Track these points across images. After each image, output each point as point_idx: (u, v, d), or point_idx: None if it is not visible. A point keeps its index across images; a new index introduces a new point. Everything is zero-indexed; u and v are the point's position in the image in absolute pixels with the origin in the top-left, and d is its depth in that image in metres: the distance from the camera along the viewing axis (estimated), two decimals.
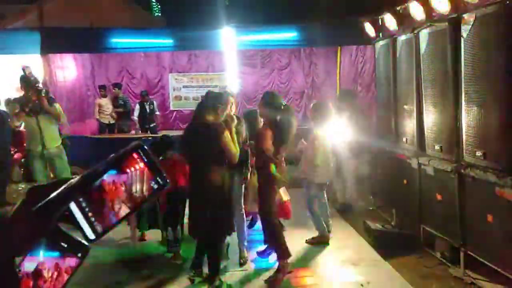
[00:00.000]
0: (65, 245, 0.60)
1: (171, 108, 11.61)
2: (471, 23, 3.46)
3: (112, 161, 0.60)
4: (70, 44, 8.35)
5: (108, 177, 0.59)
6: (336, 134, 4.95)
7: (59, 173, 5.33)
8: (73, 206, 0.59)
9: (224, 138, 3.46)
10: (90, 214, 0.59)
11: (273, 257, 4.04)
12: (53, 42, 8.02)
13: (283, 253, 3.82)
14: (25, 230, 0.57)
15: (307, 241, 4.66)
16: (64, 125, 5.64)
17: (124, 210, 0.60)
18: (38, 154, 5.14)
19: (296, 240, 4.70)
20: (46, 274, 0.58)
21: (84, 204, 0.59)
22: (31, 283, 0.58)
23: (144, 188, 0.60)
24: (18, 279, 0.58)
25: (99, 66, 11.33)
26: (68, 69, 10.36)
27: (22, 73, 5.22)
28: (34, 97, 5.00)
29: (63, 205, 0.59)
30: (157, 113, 9.72)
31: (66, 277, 0.60)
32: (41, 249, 0.58)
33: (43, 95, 5.06)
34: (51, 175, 5.53)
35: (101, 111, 9.41)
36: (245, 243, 4.23)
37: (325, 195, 4.78)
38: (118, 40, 8.63)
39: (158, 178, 0.60)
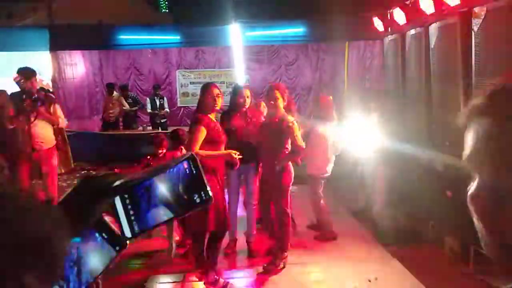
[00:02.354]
0: (106, 236, 0.61)
1: (179, 105, 11.64)
2: (482, 17, 3.41)
3: (162, 168, 0.61)
4: (78, 41, 8.40)
5: (155, 181, 0.60)
6: (364, 138, 4.79)
7: (45, 179, 4.92)
8: (117, 200, 0.61)
9: (191, 133, 3.38)
10: (131, 212, 0.61)
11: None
12: (62, 39, 8.09)
13: (285, 246, 3.93)
14: (73, 216, 0.58)
15: (315, 238, 4.66)
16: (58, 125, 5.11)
17: (164, 215, 0.61)
18: (27, 156, 4.74)
19: (304, 237, 4.70)
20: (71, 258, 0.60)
21: (127, 201, 0.61)
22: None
23: (187, 198, 0.61)
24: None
25: (107, 63, 11.41)
26: (76, 65, 10.43)
27: (16, 84, 4.97)
28: (30, 108, 4.66)
29: (110, 197, 0.61)
30: (167, 109, 9.71)
31: (97, 264, 0.61)
32: (82, 236, 0.60)
33: (40, 104, 4.77)
34: (40, 179, 5.12)
35: (106, 109, 9.28)
36: (253, 234, 4.25)
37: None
38: (126, 37, 8.67)
39: (202, 193, 0.61)
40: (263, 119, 4.18)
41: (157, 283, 3.80)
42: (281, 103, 3.85)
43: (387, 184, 5.53)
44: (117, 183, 0.61)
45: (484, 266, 3.64)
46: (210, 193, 0.61)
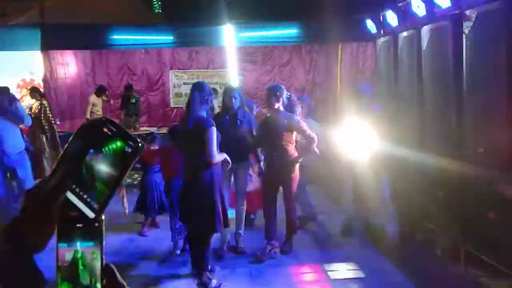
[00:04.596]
0: (82, 225, 0.62)
1: (172, 105, 11.59)
2: (473, 20, 3.45)
3: (83, 140, 0.63)
4: (70, 41, 8.33)
5: (89, 157, 0.62)
6: (357, 140, 4.74)
7: (22, 184, 4.78)
8: (69, 195, 0.62)
9: (210, 137, 3.41)
10: (85, 196, 0.62)
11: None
12: (54, 39, 8.01)
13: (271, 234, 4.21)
14: (36, 224, 0.58)
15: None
16: (25, 127, 4.92)
17: (112, 180, 0.62)
18: None
19: (297, 237, 4.72)
20: (83, 261, 0.62)
21: (77, 190, 0.62)
22: (70, 271, 0.61)
23: (120, 155, 0.63)
24: (41, 275, 0.60)
25: (100, 63, 11.32)
26: (68, 65, 10.35)
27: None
28: None
29: (60, 196, 0.61)
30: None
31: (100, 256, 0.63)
32: (77, 240, 0.62)
33: (3, 94, 4.59)
34: (13, 185, 4.97)
35: (93, 111, 9.05)
36: (241, 233, 4.32)
37: None
38: (119, 37, 8.62)
39: (130, 142, 0.63)
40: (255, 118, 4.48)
41: (151, 285, 3.79)
42: (279, 104, 4.10)
43: (380, 185, 5.55)
44: (55, 183, 0.61)
45: (475, 266, 3.68)
46: (138, 139, 0.63)
